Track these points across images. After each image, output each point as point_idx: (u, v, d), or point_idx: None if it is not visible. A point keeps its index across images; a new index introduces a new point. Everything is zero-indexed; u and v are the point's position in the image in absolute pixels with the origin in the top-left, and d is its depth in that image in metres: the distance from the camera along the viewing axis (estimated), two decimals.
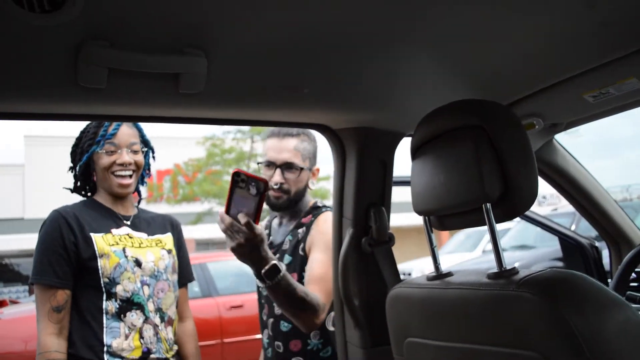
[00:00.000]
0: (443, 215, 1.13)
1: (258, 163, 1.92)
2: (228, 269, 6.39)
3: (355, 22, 1.04)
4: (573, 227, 6.02)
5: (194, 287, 5.89)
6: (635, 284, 2.11)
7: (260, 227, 1.47)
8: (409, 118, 1.41)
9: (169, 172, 18.13)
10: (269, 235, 2.01)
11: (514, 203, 0.99)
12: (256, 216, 1.44)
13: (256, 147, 16.06)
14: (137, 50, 1.02)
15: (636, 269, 2.13)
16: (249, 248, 1.46)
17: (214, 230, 18.71)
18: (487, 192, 0.97)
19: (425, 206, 1.13)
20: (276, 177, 1.81)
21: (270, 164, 1.84)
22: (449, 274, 1.12)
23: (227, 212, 1.46)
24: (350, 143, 1.53)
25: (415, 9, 1.02)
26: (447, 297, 1.05)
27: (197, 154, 16.36)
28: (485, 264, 7.67)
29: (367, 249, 1.52)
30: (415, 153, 1.17)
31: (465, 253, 10.35)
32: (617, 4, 1.06)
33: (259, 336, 5.75)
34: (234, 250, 1.48)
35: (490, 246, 7.77)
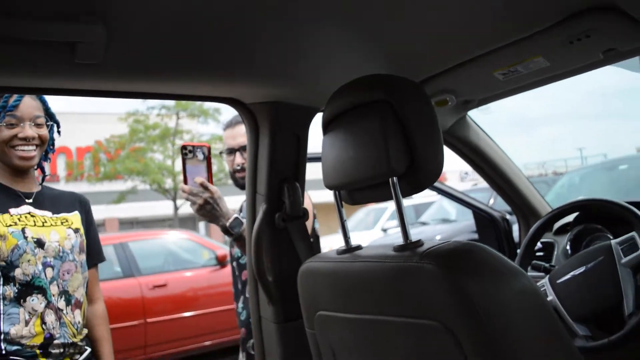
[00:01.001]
0: (353, 189, 1.13)
1: (220, 153, 2.20)
2: (151, 248, 6.25)
3: None
4: (491, 202, 6.26)
5: (114, 267, 5.72)
6: (541, 254, 2.23)
7: (215, 187, 1.70)
8: (322, 93, 1.39)
9: (89, 149, 17.41)
10: (240, 211, 2.17)
11: (420, 176, 0.99)
12: (208, 177, 1.69)
13: (182, 123, 15.68)
14: (28, 17, 0.94)
15: (542, 239, 2.24)
16: (210, 206, 1.70)
17: (138, 209, 18.25)
18: (393, 166, 0.97)
19: (335, 180, 1.12)
20: (237, 160, 2.07)
21: (231, 151, 2.10)
22: (359, 248, 1.13)
23: (185, 183, 1.68)
24: (263, 117, 1.49)
25: None
26: (355, 270, 1.06)
27: (119, 131, 15.79)
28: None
29: (281, 224, 1.50)
30: (326, 128, 1.16)
31: (365, 231, 10.49)
32: None
33: (185, 314, 5.66)
34: (198, 212, 1.71)
35: (389, 224, 8.02)
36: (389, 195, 1.02)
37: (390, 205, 10.64)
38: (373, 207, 11.50)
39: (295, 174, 1.53)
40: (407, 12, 1.15)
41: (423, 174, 0.99)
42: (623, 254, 1.74)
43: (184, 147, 1.66)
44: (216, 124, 16.59)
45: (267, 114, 1.48)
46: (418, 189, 1.02)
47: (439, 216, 8.76)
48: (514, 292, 0.89)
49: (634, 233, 1.74)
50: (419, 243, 0.97)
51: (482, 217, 2.40)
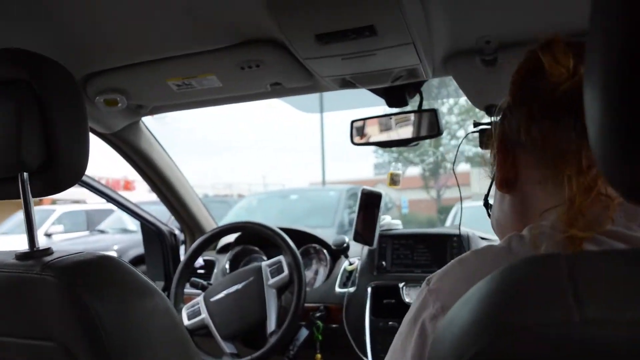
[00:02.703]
0: None
1: None
2: None
3: None
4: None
5: None
6: (202, 271, 2.26)
7: None
8: None
9: None
10: None
11: (57, 174, 0.87)
12: None
13: None
14: None
15: (205, 257, 2.28)
16: None
17: None
18: (24, 158, 0.82)
19: None
20: None
21: None
22: None
23: None
24: None
25: None
26: None
27: None
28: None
29: None
30: None
31: (22, 234, 9.61)
32: None
33: None
34: None
35: (55, 228, 7.48)
36: (16, 193, 0.87)
37: (59, 208, 9.82)
38: (38, 208, 10.39)
39: None
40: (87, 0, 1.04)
41: (61, 172, 0.87)
42: (271, 275, 1.87)
43: None
44: None
45: None
46: (56, 189, 0.89)
47: (118, 225, 8.41)
48: (145, 311, 0.83)
49: (281, 257, 1.89)
50: (48, 252, 0.85)
51: (149, 230, 2.33)
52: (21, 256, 0.84)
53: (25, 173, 0.84)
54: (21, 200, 0.86)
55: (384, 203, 1.96)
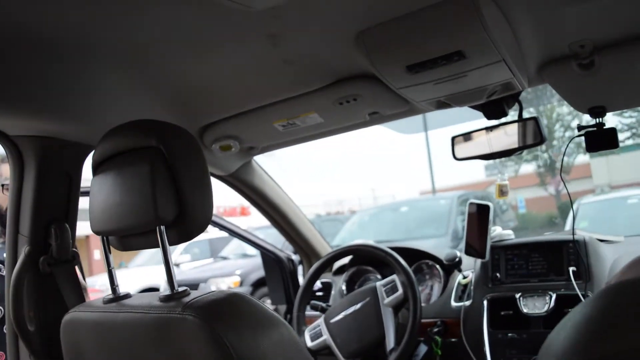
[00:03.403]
0: (122, 235, 1.09)
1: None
2: None
3: (36, 22, 0.94)
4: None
5: None
6: (320, 294, 2.36)
7: None
8: (97, 131, 1.33)
9: None
10: None
11: (188, 226, 0.99)
12: None
13: None
14: None
15: (322, 280, 2.38)
16: None
17: None
18: (161, 214, 0.95)
19: (103, 226, 1.07)
20: None
21: None
22: (127, 296, 1.08)
23: None
24: (30, 153, 1.37)
25: (106, 17, 0.97)
26: (119, 321, 1.01)
27: None
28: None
29: (46, 269, 1.38)
30: (96, 169, 1.11)
31: (158, 265, 10.17)
32: (298, 46, 1.17)
33: None
34: None
35: (182, 258, 7.89)
36: (156, 243, 1.01)
37: None
38: None
39: (65, 214, 1.42)
40: (193, 62, 1.17)
41: (191, 223, 0.99)
42: (386, 294, 1.92)
43: None
44: None
45: (35, 149, 1.36)
46: (187, 237, 1.02)
47: (239, 251, 8.82)
48: (272, 341, 0.92)
49: (394, 276, 1.94)
50: (185, 293, 0.96)
51: (268, 257, 2.48)
52: (164, 298, 0.96)
53: (162, 226, 0.97)
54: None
55: (492, 213, 1.96)
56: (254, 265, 7.79)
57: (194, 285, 6.80)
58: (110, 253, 1.13)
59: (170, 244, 0.99)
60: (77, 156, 1.43)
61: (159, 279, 8.70)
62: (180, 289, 0.98)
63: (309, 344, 1.98)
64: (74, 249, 1.43)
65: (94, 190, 1.09)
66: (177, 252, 10.16)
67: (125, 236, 1.09)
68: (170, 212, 0.96)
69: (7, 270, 1.42)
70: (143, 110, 1.33)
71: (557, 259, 1.87)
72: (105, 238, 1.11)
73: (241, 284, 7.38)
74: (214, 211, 1.10)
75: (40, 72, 1.12)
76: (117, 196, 1.02)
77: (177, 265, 9.57)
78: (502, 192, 1.93)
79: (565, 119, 17.85)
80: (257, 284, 7.44)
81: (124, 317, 1.00)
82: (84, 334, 1.08)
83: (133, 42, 1.08)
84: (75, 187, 1.44)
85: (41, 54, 1.06)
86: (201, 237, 11.26)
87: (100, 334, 1.05)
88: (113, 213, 1.03)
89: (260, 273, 6.93)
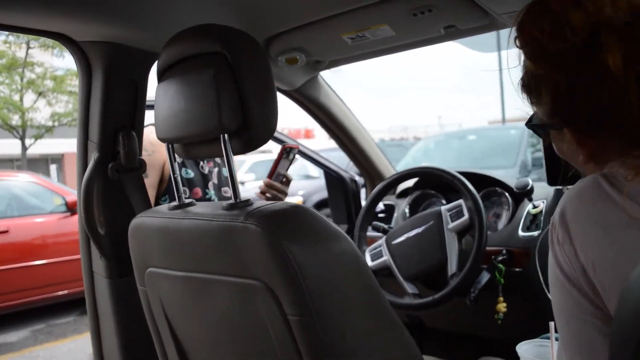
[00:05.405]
0: (187, 143, 1.08)
1: None
2: None
3: None
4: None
5: None
6: (383, 215, 2.34)
7: None
8: (162, 37, 1.31)
9: None
10: None
11: (252, 135, 0.97)
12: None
13: (34, 53, 14.22)
14: None
15: (385, 202, 2.35)
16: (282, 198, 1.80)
17: None
18: (225, 122, 0.93)
19: (168, 133, 1.06)
20: None
21: None
22: (192, 204, 1.09)
23: (270, 177, 1.78)
24: (97, 59, 1.37)
25: None
26: (184, 227, 1.02)
27: None
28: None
29: (115, 176, 1.41)
30: (161, 76, 1.09)
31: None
32: None
33: (32, 263, 5.23)
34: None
35: (247, 177, 8.13)
36: (220, 151, 0.99)
37: (248, 158, 10.62)
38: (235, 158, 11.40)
39: (132, 122, 1.43)
40: None
41: (255, 133, 0.97)
42: (450, 219, 1.88)
43: (285, 149, 1.76)
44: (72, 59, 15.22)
45: (102, 56, 1.36)
46: (251, 147, 1.00)
47: (302, 172, 8.93)
48: (332, 254, 0.91)
49: (461, 200, 1.88)
50: (248, 202, 0.95)
51: (331, 177, 2.46)
52: (228, 207, 0.96)
53: (225, 135, 0.95)
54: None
55: None
56: (317, 186, 7.89)
57: None
58: (175, 161, 1.13)
59: (235, 154, 0.97)
60: (144, 64, 1.42)
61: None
62: (244, 198, 0.97)
63: (370, 263, 1.99)
64: (141, 158, 1.46)
65: (158, 97, 1.08)
66: (242, 171, 10.43)
67: (189, 144, 1.08)
68: (234, 120, 0.94)
69: (78, 176, 1.47)
70: (208, 15, 1.29)
71: None
72: (170, 145, 1.11)
73: (303, 204, 7.53)
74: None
75: None
76: (181, 103, 1.00)
77: (242, 183, 9.86)
78: None
79: None
80: (319, 205, 7.56)
81: (188, 223, 1.01)
82: (150, 238, 1.11)
83: None
84: (141, 95, 1.44)
85: None
86: (266, 157, 11.48)
87: (165, 238, 1.07)
88: (177, 120, 1.02)
89: (323, 194, 7.04)
